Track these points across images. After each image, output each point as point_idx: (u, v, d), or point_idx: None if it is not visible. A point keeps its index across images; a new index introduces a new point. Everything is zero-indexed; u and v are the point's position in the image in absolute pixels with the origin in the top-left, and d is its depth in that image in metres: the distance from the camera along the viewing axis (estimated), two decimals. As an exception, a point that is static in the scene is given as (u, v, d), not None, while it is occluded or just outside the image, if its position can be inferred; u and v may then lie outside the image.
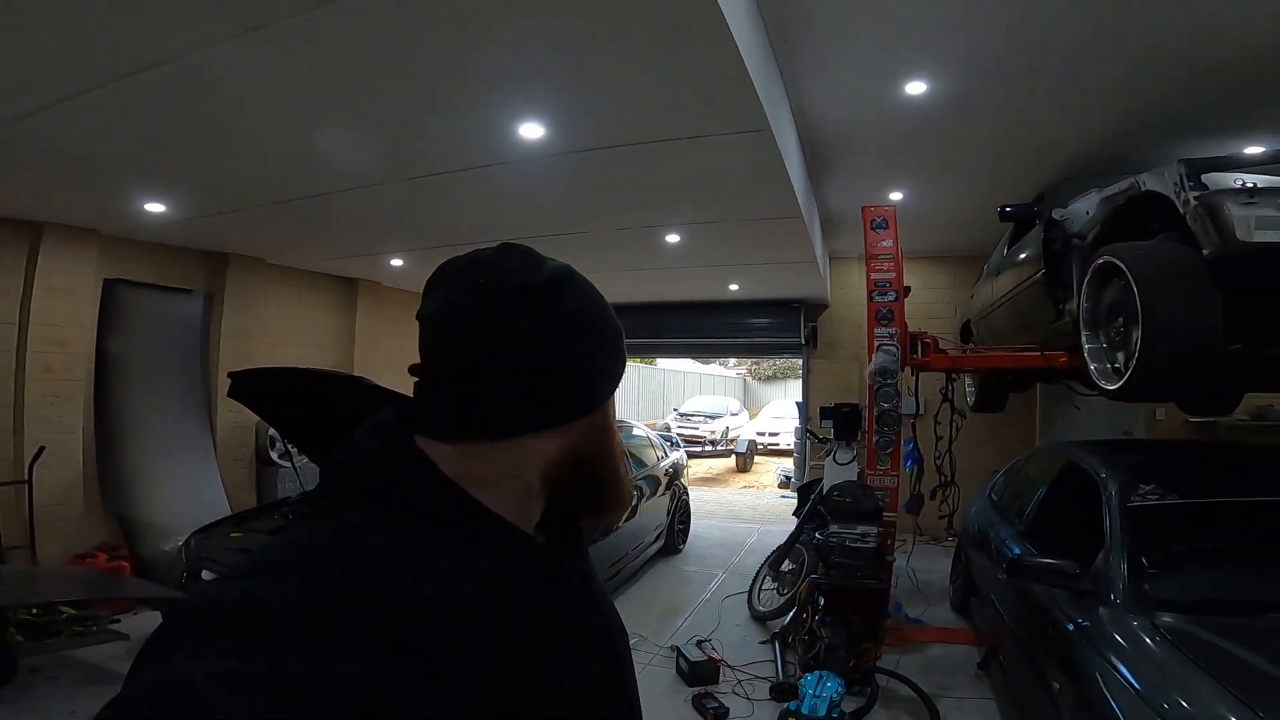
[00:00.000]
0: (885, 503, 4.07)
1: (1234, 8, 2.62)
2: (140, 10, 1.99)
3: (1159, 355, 2.31)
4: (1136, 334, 2.38)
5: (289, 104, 2.67)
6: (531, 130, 2.89)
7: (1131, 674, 1.83)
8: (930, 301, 7.02)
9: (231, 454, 5.55)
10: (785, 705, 3.10)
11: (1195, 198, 2.24)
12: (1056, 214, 3.37)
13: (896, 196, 5.18)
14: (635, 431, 6.29)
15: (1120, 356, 2.65)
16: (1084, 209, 3.15)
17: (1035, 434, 6.91)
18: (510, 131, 2.91)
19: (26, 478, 4.18)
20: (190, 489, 5.05)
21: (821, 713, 2.97)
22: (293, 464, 5.14)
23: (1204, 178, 2.29)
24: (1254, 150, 3.90)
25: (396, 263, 6.08)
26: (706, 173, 3.47)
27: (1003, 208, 3.92)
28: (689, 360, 21.26)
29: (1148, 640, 1.92)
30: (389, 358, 7.09)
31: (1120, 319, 2.62)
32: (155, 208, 4.06)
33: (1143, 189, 2.58)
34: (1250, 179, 2.22)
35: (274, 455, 5.82)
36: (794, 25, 2.95)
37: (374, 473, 0.56)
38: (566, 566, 0.62)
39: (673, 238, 4.94)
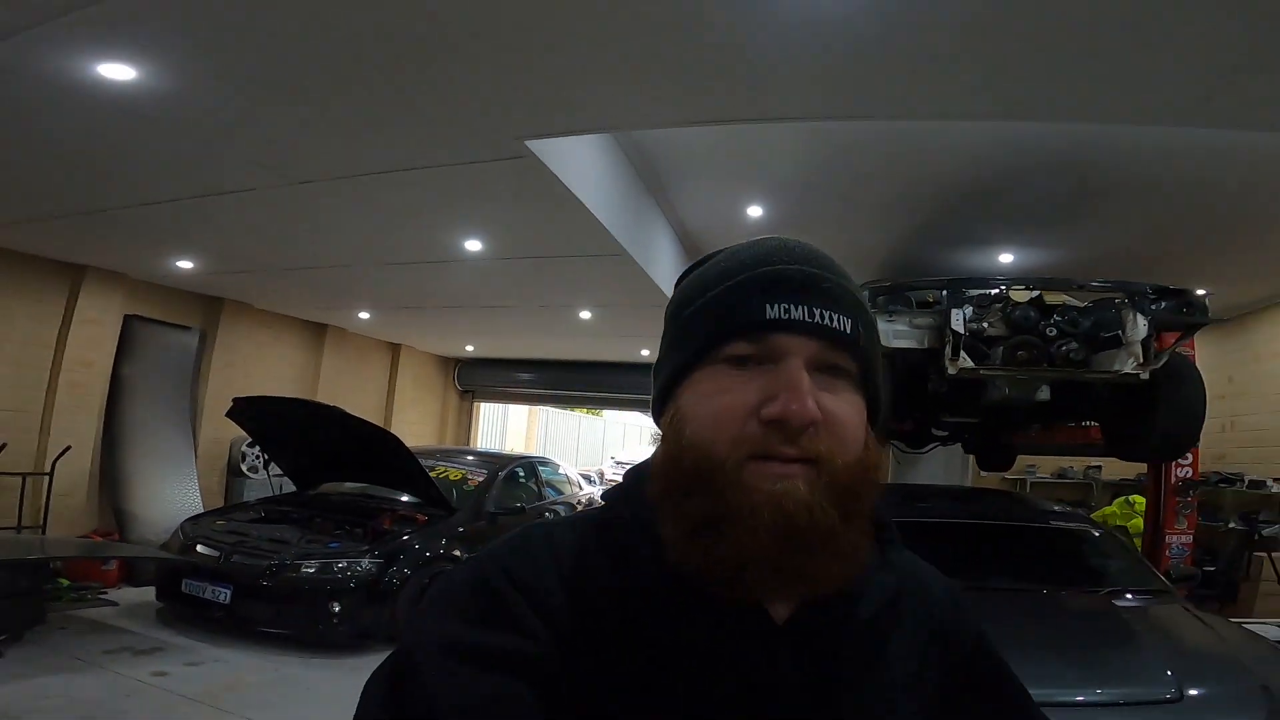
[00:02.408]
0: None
1: (988, 134, 3.49)
2: (213, 164, 3.30)
3: None
4: None
5: (302, 218, 4.01)
6: (474, 244, 4.31)
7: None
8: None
9: (207, 465, 6.57)
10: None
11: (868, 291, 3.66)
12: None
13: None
14: (561, 470, 7.45)
15: None
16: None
17: (889, 479, 8.39)
18: (458, 245, 4.33)
19: (48, 470, 5.18)
20: (172, 490, 6.04)
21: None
22: (268, 475, 6.19)
23: (878, 299, 3.70)
24: (1006, 258, 5.48)
25: (364, 315, 7.35)
26: (591, 276, 4.91)
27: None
28: (636, 412, 22.61)
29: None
30: (346, 395, 8.22)
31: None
32: (184, 264, 5.29)
33: None
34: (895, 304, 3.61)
35: (244, 468, 6.86)
36: (659, 171, 4.40)
37: None
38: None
39: (585, 314, 6.37)
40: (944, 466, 7.81)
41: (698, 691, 0.50)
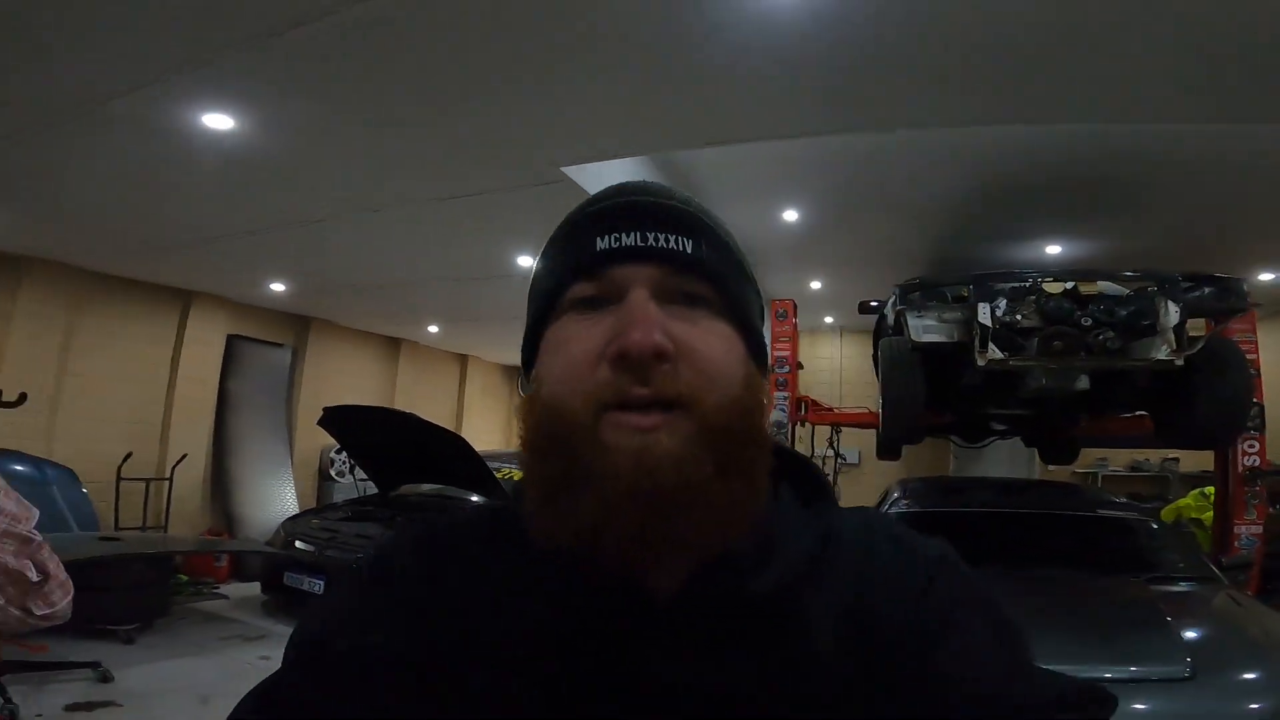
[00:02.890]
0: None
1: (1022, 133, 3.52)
2: (299, 198, 3.77)
3: (887, 417, 3.81)
4: None
5: (372, 241, 4.47)
6: (525, 260, 4.67)
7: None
8: (865, 369, 8.54)
9: (301, 470, 7.24)
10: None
11: (896, 311, 3.77)
12: (883, 310, 4.92)
13: (816, 285, 6.82)
14: None
15: None
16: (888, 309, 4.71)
17: (950, 472, 8.28)
18: (511, 261, 4.70)
19: (168, 475, 5.88)
20: (272, 493, 6.71)
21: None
22: (353, 479, 6.78)
23: (909, 296, 3.80)
24: (1053, 249, 5.43)
25: (433, 329, 7.90)
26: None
27: (861, 303, 5.49)
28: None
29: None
30: (421, 404, 8.80)
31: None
32: (277, 287, 5.92)
33: (887, 303, 4.13)
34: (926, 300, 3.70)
35: (333, 473, 7.51)
36: (693, 183, 4.62)
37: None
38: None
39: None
40: (1009, 462, 7.68)
41: (552, 687, 0.44)
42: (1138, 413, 4.28)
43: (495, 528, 0.52)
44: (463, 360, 10.01)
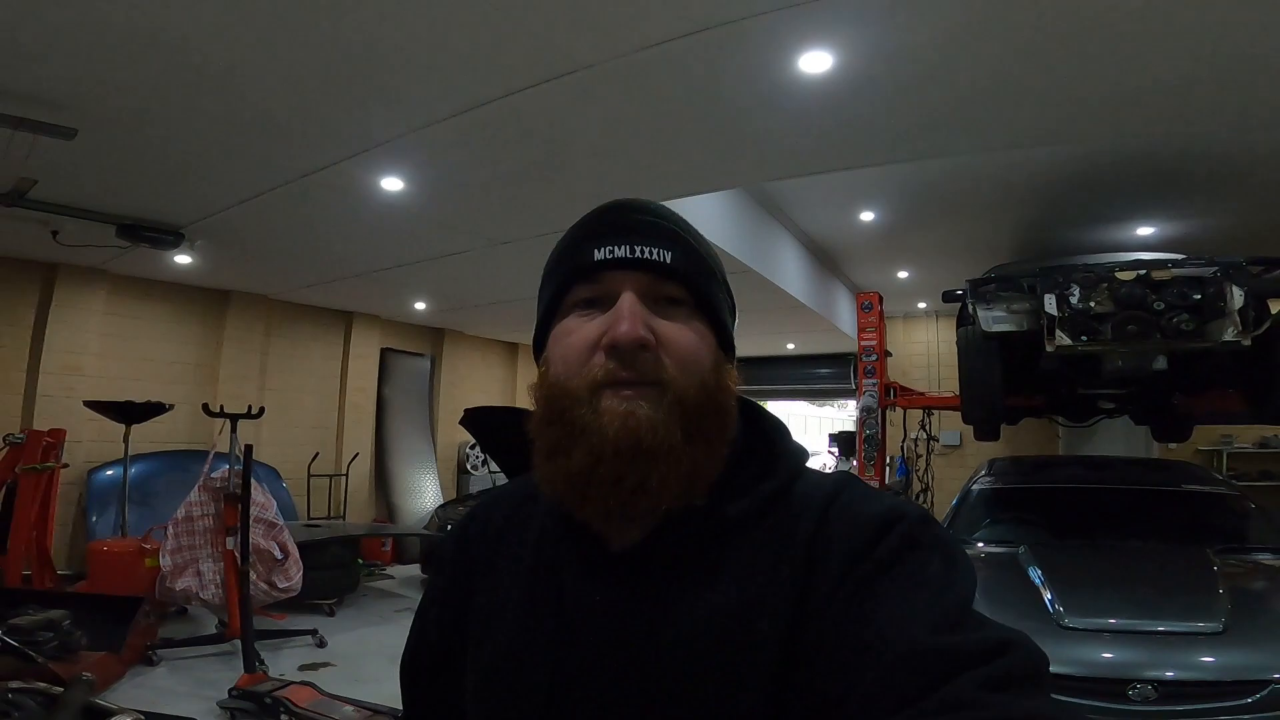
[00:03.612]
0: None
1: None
2: (443, 236, 4.59)
3: (965, 400, 4.13)
4: None
5: (500, 267, 5.25)
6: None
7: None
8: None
9: (443, 465, 8.33)
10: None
11: (970, 304, 4.07)
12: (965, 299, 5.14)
13: (903, 275, 7.03)
14: None
15: None
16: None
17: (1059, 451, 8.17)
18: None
19: (344, 472, 7.05)
20: (421, 485, 7.80)
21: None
22: (486, 471, 7.77)
23: (980, 289, 4.06)
24: (1145, 230, 5.42)
25: (547, 333, 8.80)
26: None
27: (945, 292, 5.69)
28: (789, 401, 22.86)
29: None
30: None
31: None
32: (420, 305, 6.96)
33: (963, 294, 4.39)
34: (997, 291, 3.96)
35: (469, 466, 8.57)
36: (773, 195, 5.08)
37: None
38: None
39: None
40: (1125, 441, 7.52)
41: (528, 613, 0.59)
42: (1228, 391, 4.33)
43: (529, 490, 0.65)
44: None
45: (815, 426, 23.90)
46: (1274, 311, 3.59)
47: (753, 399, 0.64)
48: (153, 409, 4.67)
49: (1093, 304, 3.73)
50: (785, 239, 5.67)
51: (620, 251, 0.57)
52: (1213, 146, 3.90)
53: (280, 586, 3.92)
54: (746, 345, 9.23)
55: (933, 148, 3.40)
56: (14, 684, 2.35)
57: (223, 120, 3.01)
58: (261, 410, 4.42)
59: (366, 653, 4.23)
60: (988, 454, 7.77)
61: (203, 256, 5.09)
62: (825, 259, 6.59)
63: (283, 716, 2.98)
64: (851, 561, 0.51)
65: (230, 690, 3.15)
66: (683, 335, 0.56)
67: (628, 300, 0.55)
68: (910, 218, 5.26)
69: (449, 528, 5.98)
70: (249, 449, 3.82)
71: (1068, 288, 3.71)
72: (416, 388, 8.19)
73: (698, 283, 0.59)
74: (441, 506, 6.62)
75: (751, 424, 0.62)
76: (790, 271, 5.82)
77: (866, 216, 5.34)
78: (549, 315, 0.61)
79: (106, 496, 5.21)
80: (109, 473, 5.35)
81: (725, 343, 0.61)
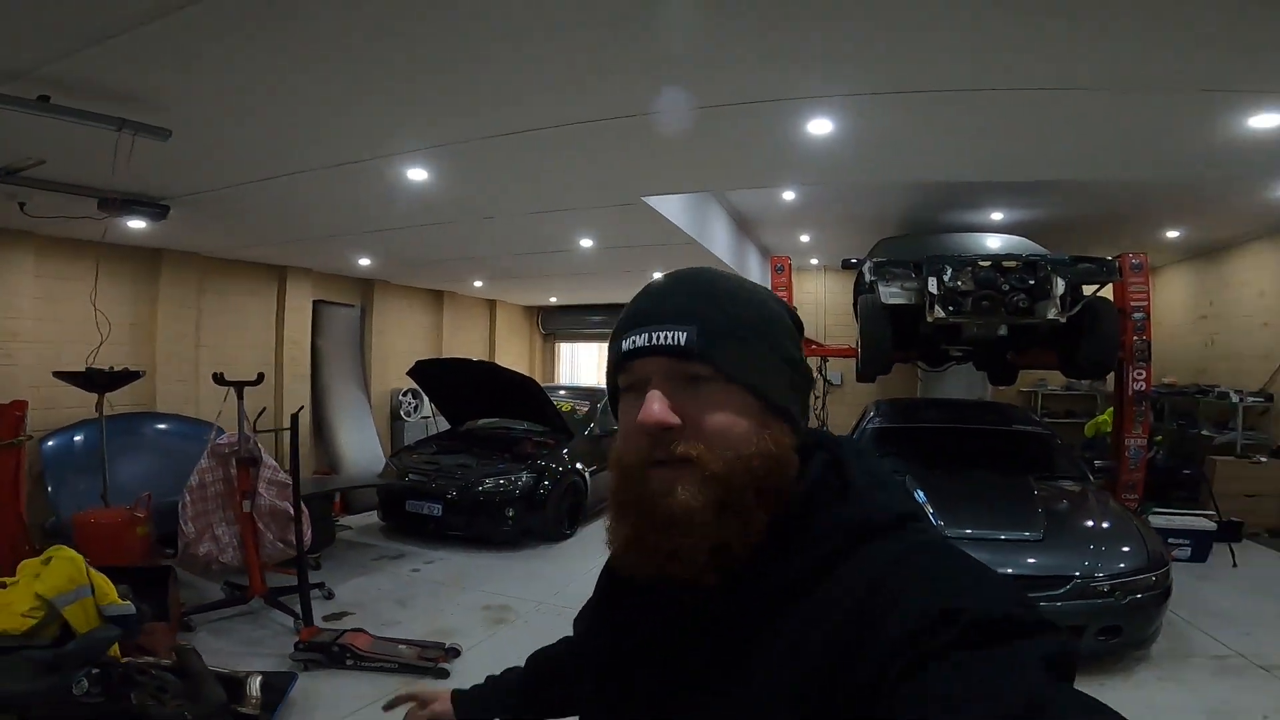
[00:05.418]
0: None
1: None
2: (440, 209, 4.91)
3: (862, 357, 5.20)
4: None
5: (485, 234, 5.60)
6: (587, 241, 5.84)
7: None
8: (843, 301, 9.85)
9: (378, 413, 8.57)
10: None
11: (871, 278, 5.08)
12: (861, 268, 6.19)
13: (805, 239, 8.03)
14: None
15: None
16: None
17: (919, 393, 9.82)
18: (576, 241, 5.87)
19: (289, 426, 7.15)
20: (359, 434, 8.04)
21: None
22: (421, 418, 8.10)
23: (881, 269, 5.05)
24: (996, 215, 6.68)
25: (478, 284, 9.08)
26: (669, 254, 6.33)
27: (844, 259, 6.73)
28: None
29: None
30: (461, 347, 10.08)
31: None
32: (363, 261, 7.06)
33: (864, 263, 5.41)
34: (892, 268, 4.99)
35: (402, 413, 8.86)
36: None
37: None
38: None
39: (656, 274, 7.85)
40: (966, 382, 9.17)
41: (606, 645, 0.72)
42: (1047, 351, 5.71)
43: None
44: (492, 305, 11.22)
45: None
46: (1085, 295, 4.88)
47: (852, 443, 0.69)
48: (125, 376, 4.69)
49: (959, 283, 4.80)
50: (717, 211, 6.42)
51: (640, 340, 0.63)
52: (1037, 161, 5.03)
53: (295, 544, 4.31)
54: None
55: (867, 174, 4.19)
56: (125, 660, 2.53)
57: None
58: (260, 377, 4.66)
59: (371, 599, 4.51)
60: (864, 392, 9.24)
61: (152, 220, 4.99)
62: (744, 225, 7.43)
63: (349, 661, 3.36)
64: (899, 653, 0.49)
65: (296, 644, 3.45)
66: (710, 412, 0.61)
67: (651, 388, 0.62)
68: (820, 197, 6.15)
69: (408, 478, 6.17)
70: (295, 418, 4.06)
71: (945, 271, 4.77)
72: (349, 338, 8.28)
73: (723, 355, 0.62)
74: (394, 456, 6.84)
75: (832, 468, 0.65)
76: (719, 239, 6.60)
77: (788, 196, 6.17)
78: (614, 395, 0.71)
79: (63, 467, 5.14)
80: (51, 443, 5.22)
81: (771, 403, 0.64)
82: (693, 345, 0.62)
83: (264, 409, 6.78)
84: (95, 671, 2.19)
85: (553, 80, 2.67)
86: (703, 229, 5.93)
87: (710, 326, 0.63)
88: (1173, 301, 8.29)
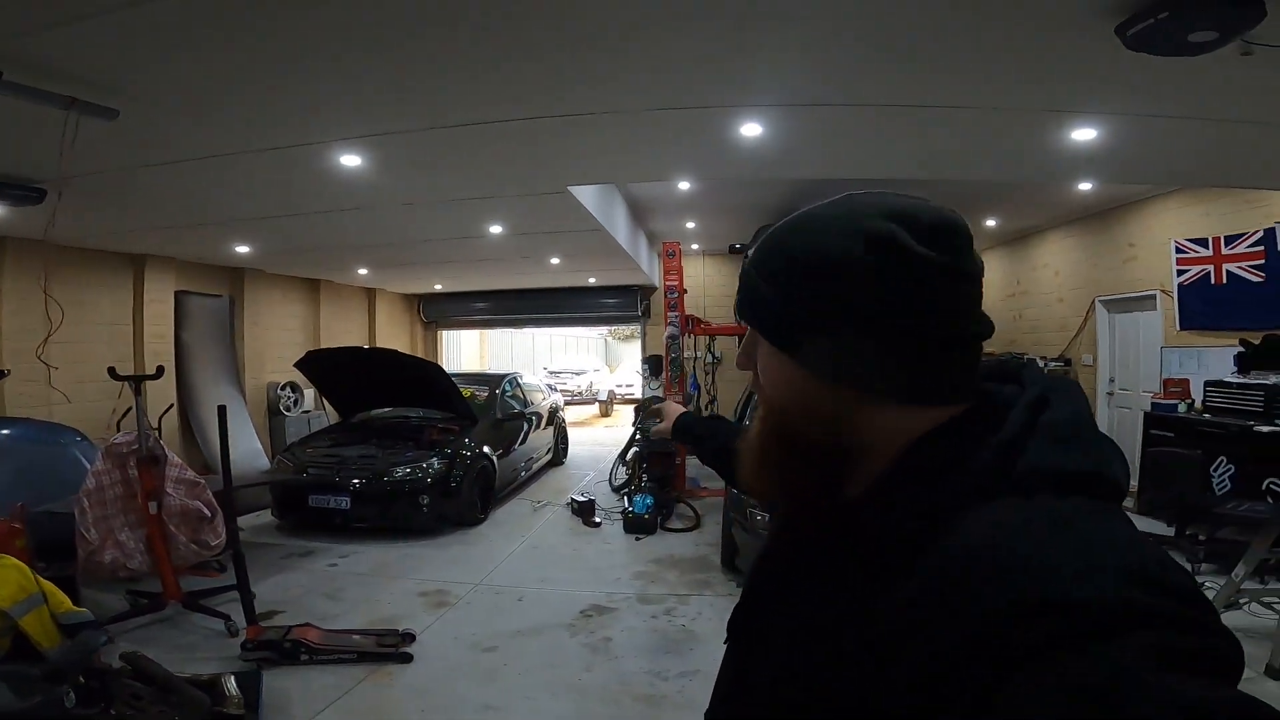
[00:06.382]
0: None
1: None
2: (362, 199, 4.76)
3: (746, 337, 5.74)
4: None
5: (396, 223, 5.44)
6: (497, 228, 5.88)
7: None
8: (722, 284, 10.57)
9: (254, 409, 7.97)
10: (624, 509, 6.26)
11: (746, 259, 5.63)
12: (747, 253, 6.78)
13: (691, 225, 8.54)
14: (526, 380, 8.86)
15: None
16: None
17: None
18: (485, 228, 5.89)
19: (157, 426, 6.51)
20: (235, 432, 7.41)
21: (641, 510, 6.11)
22: (301, 412, 7.67)
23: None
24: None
25: (362, 271, 8.65)
26: (577, 242, 6.59)
27: (732, 245, 7.32)
28: (573, 329, 24.43)
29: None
30: (340, 336, 9.57)
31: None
32: (240, 248, 6.53)
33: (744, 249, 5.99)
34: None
35: (282, 408, 8.29)
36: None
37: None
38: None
39: (554, 260, 8.03)
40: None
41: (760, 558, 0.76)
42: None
43: None
44: (371, 294, 10.72)
45: (562, 346, 25.90)
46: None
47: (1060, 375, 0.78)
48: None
49: None
50: (618, 200, 6.70)
51: None
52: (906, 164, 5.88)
53: (213, 544, 4.07)
54: (557, 279, 10.14)
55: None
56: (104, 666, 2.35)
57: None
58: (160, 370, 4.30)
59: (295, 596, 4.38)
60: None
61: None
62: (637, 211, 7.77)
63: (303, 656, 3.30)
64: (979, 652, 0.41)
65: (244, 644, 3.34)
66: (762, 364, 0.68)
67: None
68: (709, 186, 6.64)
69: (307, 473, 5.92)
70: (223, 409, 3.76)
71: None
72: (217, 331, 7.62)
73: (754, 317, 0.67)
74: (285, 452, 6.46)
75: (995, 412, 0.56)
76: (620, 225, 6.90)
77: (683, 186, 6.59)
78: None
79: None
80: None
81: (797, 350, 0.61)
82: (740, 313, 0.70)
83: (129, 409, 6.18)
84: (82, 682, 2.08)
85: (473, 76, 2.79)
86: (608, 216, 6.20)
87: (751, 290, 0.68)
88: (989, 281, 9.76)
